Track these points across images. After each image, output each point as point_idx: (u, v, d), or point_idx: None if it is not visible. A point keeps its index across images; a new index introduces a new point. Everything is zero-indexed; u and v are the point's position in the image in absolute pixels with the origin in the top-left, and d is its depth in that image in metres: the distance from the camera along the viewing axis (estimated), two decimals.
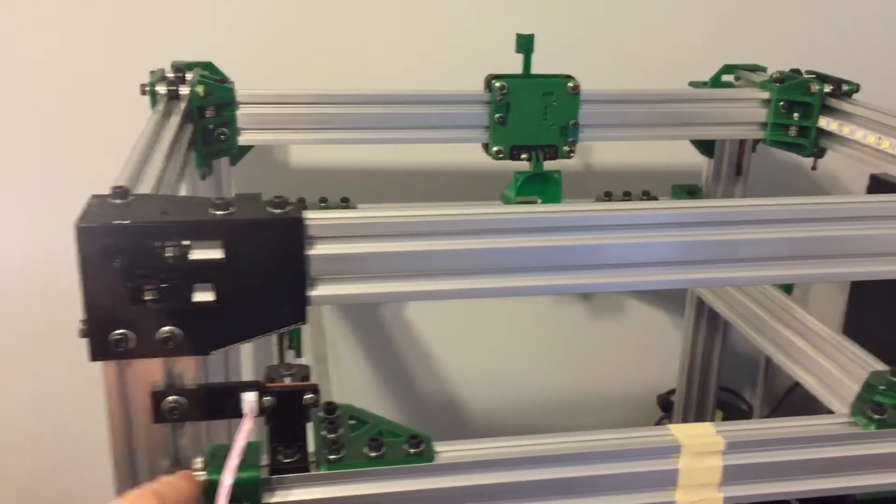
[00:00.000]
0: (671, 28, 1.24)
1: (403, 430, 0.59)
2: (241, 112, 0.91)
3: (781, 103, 0.97)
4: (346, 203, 1.09)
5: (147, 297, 0.50)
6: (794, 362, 0.79)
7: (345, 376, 1.34)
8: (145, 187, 0.63)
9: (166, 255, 0.50)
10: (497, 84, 0.93)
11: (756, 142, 1.11)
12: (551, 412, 1.45)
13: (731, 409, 1.38)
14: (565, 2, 1.20)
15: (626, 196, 1.16)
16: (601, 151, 1.30)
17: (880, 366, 0.71)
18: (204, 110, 0.88)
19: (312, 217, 0.52)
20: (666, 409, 1.47)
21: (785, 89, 0.97)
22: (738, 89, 1.03)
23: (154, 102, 0.86)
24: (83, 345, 0.50)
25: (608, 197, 1.15)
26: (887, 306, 1.22)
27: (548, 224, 0.56)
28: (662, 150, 1.28)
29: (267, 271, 0.51)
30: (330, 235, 0.52)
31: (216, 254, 0.50)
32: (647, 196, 1.16)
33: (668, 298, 1.42)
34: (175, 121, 0.82)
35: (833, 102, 0.95)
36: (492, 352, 1.41)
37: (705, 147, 1.14)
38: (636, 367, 1.48)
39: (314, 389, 0.54)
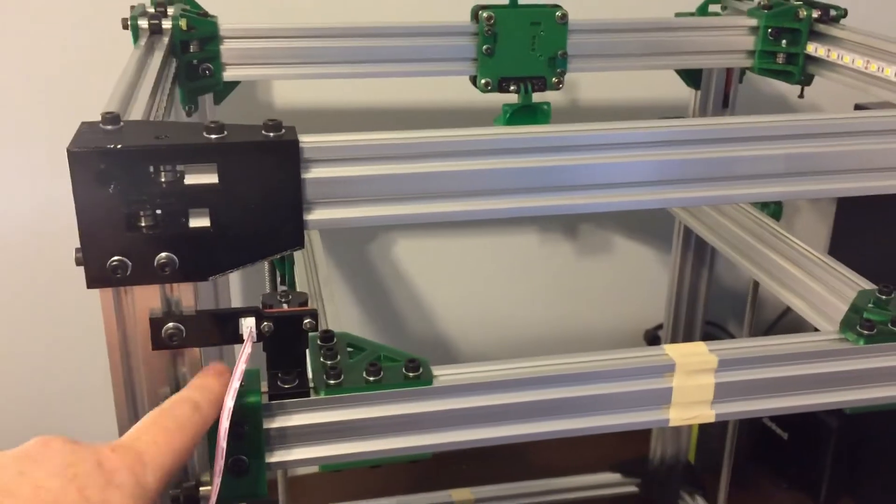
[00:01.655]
0: None
1: (401, 356, 0.60)
2: (226, 47, 0.90)
3: (769, 30, 0.97)
4: None
5: (143, 224, 0.50)
6: (783, 286, 0.80)
7: (335, 315, 1.35)
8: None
9: (161, 180, 0.49)
10: (484, 14, 0.92)
11: (743, 72, 1.10)
12: (540, 349, 1.46)
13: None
14: None
15: None
16: (588, 87, 1.29)
17: (868, 285, 0.72)
18: (188, 45, 0.86)
19: (308, 140, 0.51)
20: (653, 344, 1.50)
21: (773, 16, 0.97)
22: (725, 17, 1.02)
23: (136, 38, 0.84)
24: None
25: None
26: (871, 231, 1.24)
27: (534, 144, 0.55)
28: (649, 83, 1.27)
29: (263, 195, 0.51)
30: (326, 158, 0.52)
31: (211, 178, 0.50)
32: None
33: (655, 234, 1.43)
34: (158, 56, 0.80)
35: (821, 28, 0.95)
36: (480, 290, 1.42)
37: (692, 78, 1.13)
38: (623, 303, 1.49)
39: (313, 314, 0.54)
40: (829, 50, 0.92)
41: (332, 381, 0.57)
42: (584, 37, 0.95)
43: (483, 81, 0.94)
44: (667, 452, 1.40)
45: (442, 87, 1.18)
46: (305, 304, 0.56)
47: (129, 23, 0.84)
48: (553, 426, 0.61)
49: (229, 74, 0.91)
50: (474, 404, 0.59)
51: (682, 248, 1.24)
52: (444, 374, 0.59)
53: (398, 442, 0.58)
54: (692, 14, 1.11)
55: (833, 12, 0.95)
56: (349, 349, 0.62)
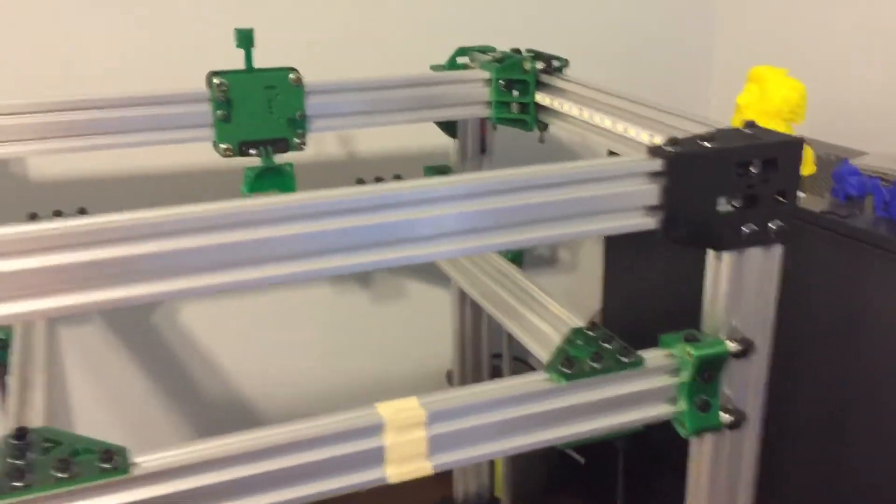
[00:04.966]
0: (409, 14, 1.28)
1: (100, 446, 0.58)
2: None
3: (501, 82, 1.02)
4: (82, 214, 1.04)
5: None
6: (516, 324, 0.84)
7: (117, 390, 1.30)
8: None
9: None
10: (216, 81, 0.92)
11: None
12: (344, 400, 1.46)
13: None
14: None
15: (378, 181, 1.17)
16: (351, 139, 1.31)
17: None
18: None
19: None
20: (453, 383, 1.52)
21: (502, 68, 1.02)
22: (461, 72, 1.07)
23: None
24: None
25: (361, 184, 1.16)
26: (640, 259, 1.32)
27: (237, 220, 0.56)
28: (411, 133, 1.31)
29: None
30: None
31: None
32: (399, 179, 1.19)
33: (445, 277, 1.47)
34: None
35: (546, 79, 1.00)
36: (274, 346, 1.40)
37: (448, 128, 1.17)
38: (422, 346, 1.51)
39: None
40: (553, 99, 0.97)
41: (16, 483, 0.54)
42: (321, 97, 0.97)
43: (223, 147, 0.94)
44: (470, 490, 1.42)
45: (190, 149, 1.16)
46: None
47: None
48: (268, 499, 0.60)
49: None
50: (177, 488, 0.57)
51: (459, 292, 1.27)
52: (147, 461, 0.58)
53: None
54: (443, 65, 1.15)
55: (556, 63, 1.01)
56: (46, 444, 0.59)
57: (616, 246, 1.38)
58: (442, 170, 1.21)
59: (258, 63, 0.94)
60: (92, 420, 1.29)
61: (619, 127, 0.85)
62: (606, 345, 0.70)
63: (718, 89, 1.53)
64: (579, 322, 0.79)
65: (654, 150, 0.66)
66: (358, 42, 1.26)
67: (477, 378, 1.36)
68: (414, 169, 1.25)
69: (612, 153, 1.11)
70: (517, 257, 0.98)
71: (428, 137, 1.31)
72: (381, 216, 0.60)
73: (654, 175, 0.65)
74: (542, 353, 0.76)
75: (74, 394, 1.26)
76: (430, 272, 1.45)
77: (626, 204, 0.65)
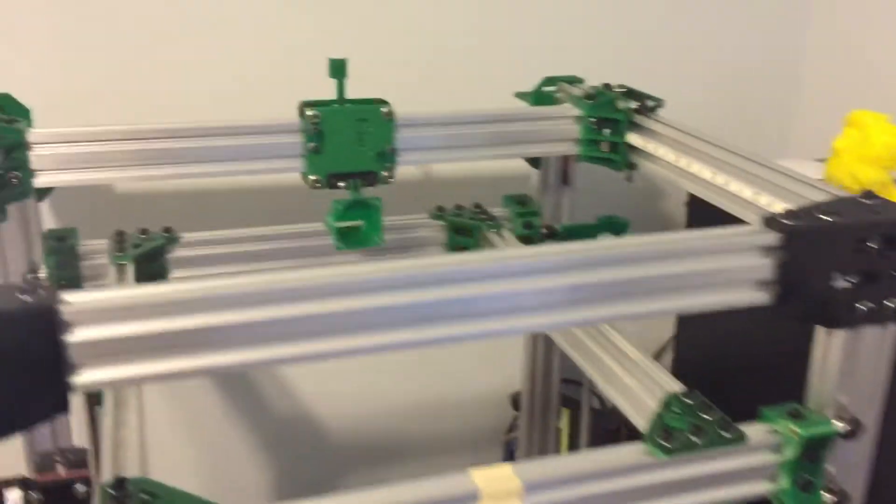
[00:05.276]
0: (494, 40, 1.26)
1: (199, 503, 0.58)
2: (36, 153, 0.86)
3: (592, 120, 1.00)
4: (168, 233, 1.05)
5: None
6: (607, 382, 0.81)
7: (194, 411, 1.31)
8: None
9: None
10: (309, 113, 0.91)
11: None
12: (409, 420, 1.46)
13: (576, 404, 1.42)
14: (381, 22, 1.20)
15: (458, 210, 1.16)
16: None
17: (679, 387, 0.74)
18: None
19: (70, 301, 0.49)
20: (519, 407, 1.51)
21: (594, 107, 1.00)
22: (551, 108, 1.05)
23: None
24: None
25: (441, 212, 1.15)
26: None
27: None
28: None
29: (20, 363, 0.48)
30: (91, 320, 0.50)
31: None
32: (479, 209, 1.17)
33: None
34: None
35: (639, 119, 0.98)
36: (345, 365, 1.40)
37: (532, 159, 1.16)
38: (487, 367, 1.50)
39: (86, 480, 0.52)
40: (646, 141, 0.95)
41: None
42: (413, 131, 0.96)
43: (312, 178, 0.93)
44: None
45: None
46: (83, 464, 0.53)
47: None
48: None
49: (42, 181, 0.87)
50: None
51: None
52: None
53: None
54: (529, 93, 1.13)
55: (650, 103, 0.98)
56: (143, 496, 0.59)
57: None
58: (522, 199, 1.19)
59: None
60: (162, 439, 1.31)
61: (720, 179, 0.82)
62: (705, 415, 0.68)
63: (804, 126, 1.49)
64: (668, 378, 0.77)
65: (771, 223, 0.63)
66: (441, 68, 1.24)
67: (545, 405, 1.34)
68: (491, 194, 1.23)
69: (692, 196, 1.07)
70: None
71: (506, 160, 1.30)
72: (483, 286, 0.58)
73: (770, 249, 0.63)
74: (634, 414, 0.74)
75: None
76: None
77: (737, 278, 0.63)
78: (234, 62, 1.15)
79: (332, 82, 0.92)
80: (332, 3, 1.18)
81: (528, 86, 1.13)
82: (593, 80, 1.10)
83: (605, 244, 0.62)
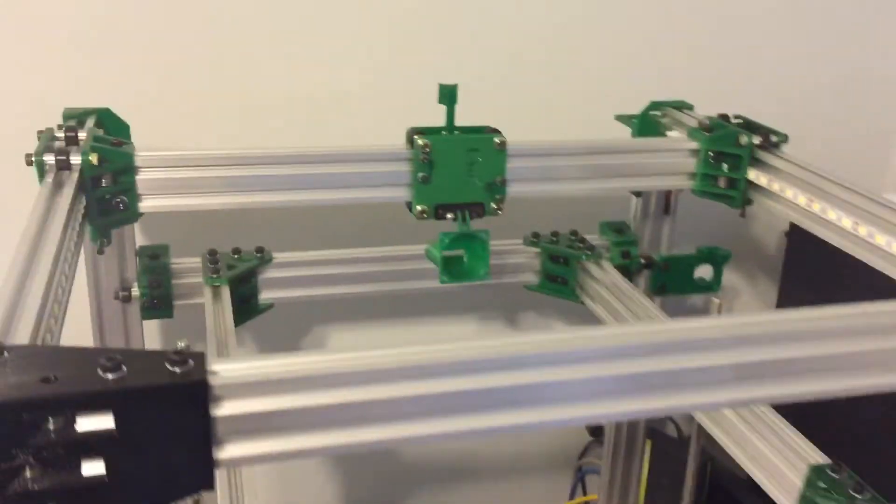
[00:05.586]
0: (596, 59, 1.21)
1: None
2: (142, 177, 0.84)
3: (710, 154, 0.95)
4: (260, 254, 1.02)
5: (27, 476, 0.44)
6: (740, 449, 0.76)
7: None
8: (38, 285, 0.59)
9: (49, 426, 0.44)
10: (420, 142, 0.88)
11: None
12: (478, 440, 1.42)
13: (660, 436, 1.38)
14: (483, 46, 1.16)
15: (554, 237, 1.12)
16: None
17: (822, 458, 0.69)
18: (99, 180, 0.80)
19: (219, 375, 0.46)
20: (595, 433, 1.46)
21: (714, 140, 0.95)
22: (666, 139, 1.00)
23: (42, 174, 0.78)
24: None
25: (536, 238, 1.11)
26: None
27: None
28: None
29: (167, 437, 0.45)
30: (239, 394, 0.47)
31: (107, 423, 0.44)
32: (574, 236, 1.13)
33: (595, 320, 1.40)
34: (66, 196, 0.75)
35: (762, 155, 0.93)
36: None
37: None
38: None
39: None
40: (770, 180, 0.90)
41: None
42: (523, 161, 0.92)
43: (419, 209, 0.90)
44: None
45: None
46: None
47: (32, 159, 0.78)
48: None
49: (147, 205, 0.85)
50: None
51: None
52: None
53: None
54: (631, 117, 1.09)
55: (774, 138, 0.93)
56: None
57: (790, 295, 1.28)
58: (619, 227, 1.14)
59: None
60: None
61: (862, 231, 0.77)
62: (857, 494, 0.63)
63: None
64: (808, 448, 0.72)
65: None
66: (542, 88, 1.20)
67: (632, 436, 1.30)
68: (586, 220, 1.18)
69: (793, 225, 0.99)
70: None
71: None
72: (619, 366, 0.53)
73: None
74: (773, 488, 0.70)
75: None
76: (581, 313, 1.40)
77: (879, 360, 0.58)
78: (335, 81, 1.12)
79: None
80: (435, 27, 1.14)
81: (620, 106, 1.09)
82: (689, 98, 1.06)
83: (752, 320, 0.57)
